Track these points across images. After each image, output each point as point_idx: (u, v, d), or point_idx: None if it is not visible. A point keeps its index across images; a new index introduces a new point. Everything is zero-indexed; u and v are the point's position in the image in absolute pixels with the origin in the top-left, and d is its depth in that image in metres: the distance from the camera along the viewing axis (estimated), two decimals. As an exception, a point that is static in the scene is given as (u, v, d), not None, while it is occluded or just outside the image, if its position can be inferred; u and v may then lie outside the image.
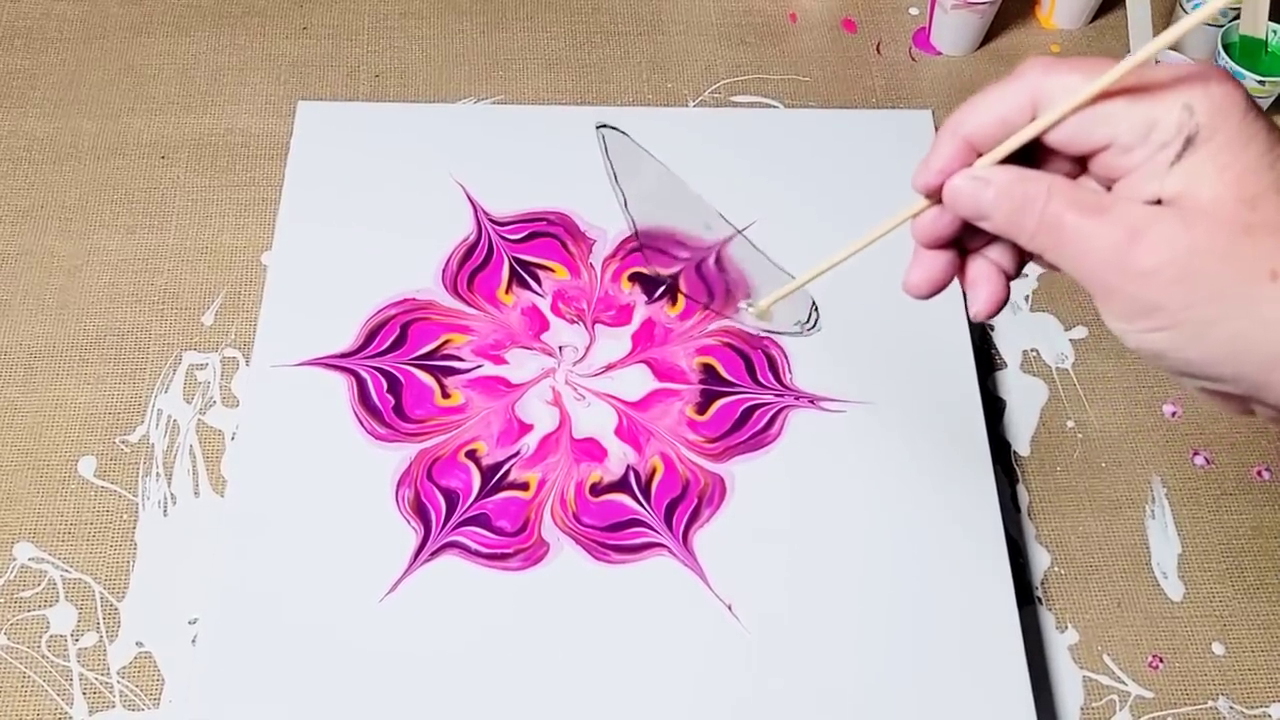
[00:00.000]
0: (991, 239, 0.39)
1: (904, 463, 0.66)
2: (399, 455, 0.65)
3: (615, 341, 0.70)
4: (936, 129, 0.79)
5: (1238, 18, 0.82)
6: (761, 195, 0.76)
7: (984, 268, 0.39)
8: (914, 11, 0.91)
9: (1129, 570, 0.66)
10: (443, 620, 0.60)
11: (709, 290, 0.67)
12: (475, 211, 0.75)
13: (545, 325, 0.70)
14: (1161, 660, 0.63)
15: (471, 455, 0.65)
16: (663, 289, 0.72)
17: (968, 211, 0.37)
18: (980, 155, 0.37)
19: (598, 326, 0.71)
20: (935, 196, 0.38)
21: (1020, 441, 0.70)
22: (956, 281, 0.41)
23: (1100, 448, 0.70)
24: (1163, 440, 0.70)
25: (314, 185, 0.75)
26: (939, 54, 0.89)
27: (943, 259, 0.39)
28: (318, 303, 0.70)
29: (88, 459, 0.67)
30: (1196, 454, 0.70)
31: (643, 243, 0.60)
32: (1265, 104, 0.83)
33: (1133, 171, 0.34)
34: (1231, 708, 0.62)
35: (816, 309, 0.54)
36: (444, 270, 0.72)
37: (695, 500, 0.64)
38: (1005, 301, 0.39)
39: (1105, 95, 0.34)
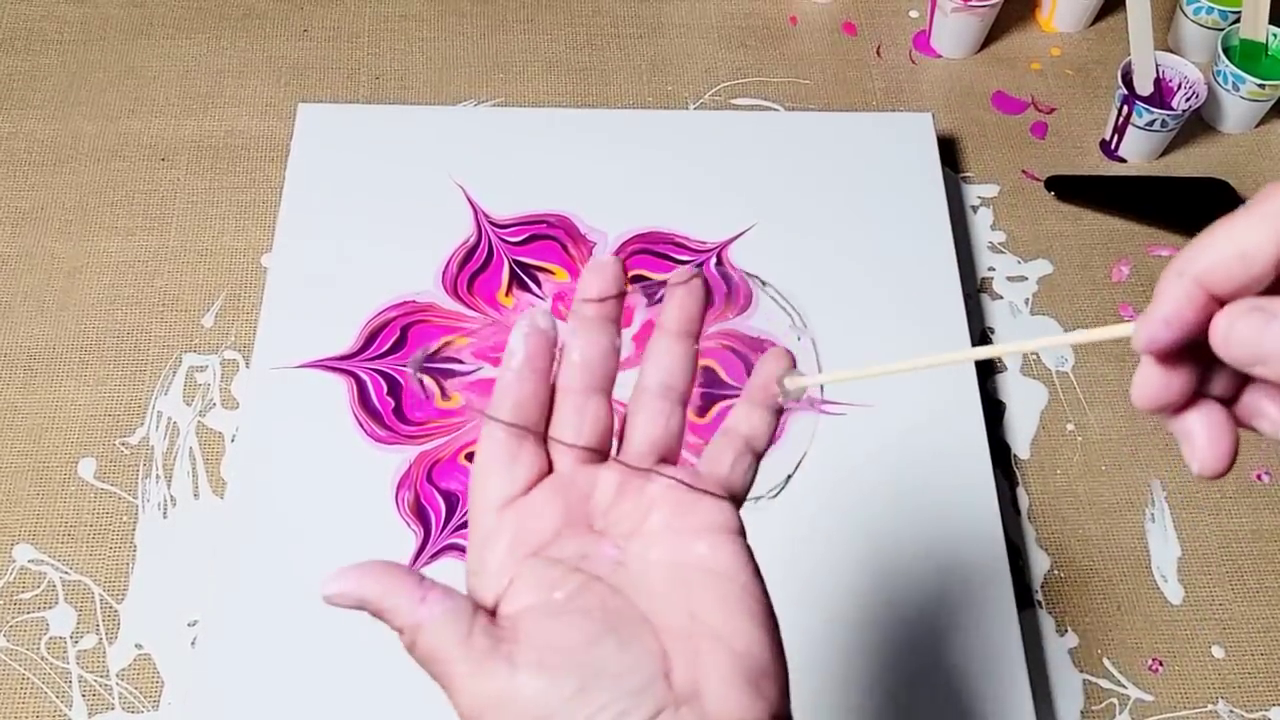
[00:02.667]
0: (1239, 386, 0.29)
1: (904, 466, 0.66)
2: (399, 458, 0.65)
3: (615, 344, 0.70)
4: (936, 131, 0.80)
5: (1238, 21, 0.82)
6: (762, 198, 0.76)
7: (1217, 418, 0.30)
8: (914, 14, 0.91)
9: (1129, 573, 0.66)
10: (442, 623, 0.60)
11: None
12: (475, 214, 0.75)
13: (545, 328, 0.70)
14: (1161, 663, 0.63)
15: (471, 458, 0.65)
16: (662, 291, 0.72)
17: (1245, 356, 0.26)
18: (1221, 303, 0.27)
19: (598, 329, 0.71)
20: (1161, 355, 0.28)
21: (1020, 445, 0.70)
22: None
23: (1100, 451, 0.70)
24: (1163, 443, 0.70)
25: (314, 187, 0.75)
26: (939, 57, 0.89)
27: (1181, 379, 0.29)
28: (318, 305, 0.70)
29: (87, 461, 0.67)
30: (1196, 457, 0.70)
31: None
32: (1265, 108, 0.83)
33: None
34: (1231, 711, 0.62)
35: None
36: (444, 273, 0.72)
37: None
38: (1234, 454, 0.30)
39: None
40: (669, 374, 0.34)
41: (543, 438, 0.33)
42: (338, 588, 0.31)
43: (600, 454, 0.34)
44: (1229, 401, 0.30)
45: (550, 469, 0.33)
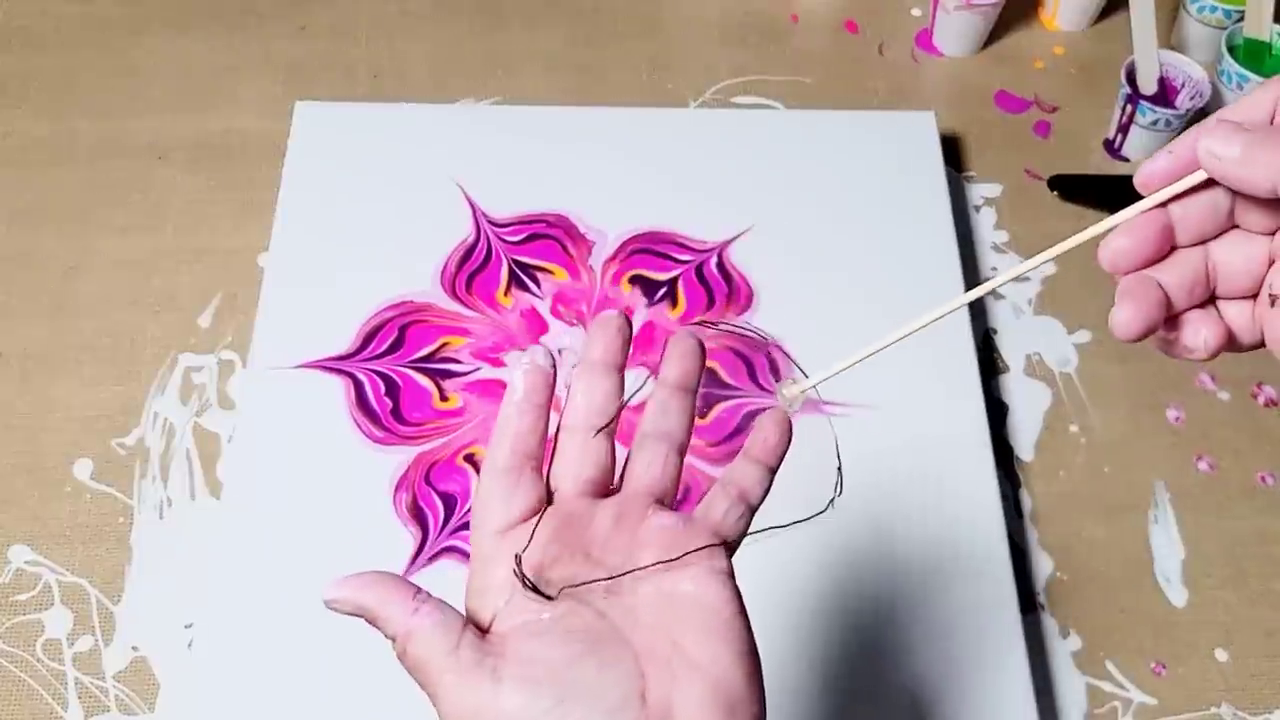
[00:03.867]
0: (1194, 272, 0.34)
1: (906, 468, 0.65)
2: (397, 459, 0.65)
3: (615, 344, 0.69)
4: (938, 130, 0.79)
5: (1242, 19, 0.82)
6: (762, 197, 0.76)
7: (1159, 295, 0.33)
8: (916, 13, 0.91)
9: (1132, 576, 0.65)
10: (440, 625, 0.60)
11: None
12: (474, 213, 0.74)
13: (544, 328, 0.70)
14: (1164, 666, 0.63)
15: (470, 459, 0.65)
16: (663, 291, 0.72)
17: (1231, 168, 0.31)
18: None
19: (597, 329, 0.70)
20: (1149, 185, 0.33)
21: (1023, 446, 0.69)
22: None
23: (1103, 452, 0.69)
24: (1166, 445, 0.70)
25: (311, 186, 0.74)
26: (941, 55, 0.89)
27: (1152, 288, 0.33)
28: (315, 305, 0.70)
29: (84, 461, 0.66)
30: (1200, 459, 0.69)
31: None
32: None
33: None
34: (1235, 714, 0.61)
35: (841, 481, 0.51)
36: (442, 272, 0.72)
37: (696, 504, 0.64)
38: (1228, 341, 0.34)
39: None
40: (668, 424, 0.37)
41: (539, 469, 0.35)
42: (337, 594, 0.33)
43: (600, 488, 0.36)
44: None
45: (550, 500, 0.35)
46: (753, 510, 0.37)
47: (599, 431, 0.36)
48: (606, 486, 0.36)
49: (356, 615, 0.33)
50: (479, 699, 0.30)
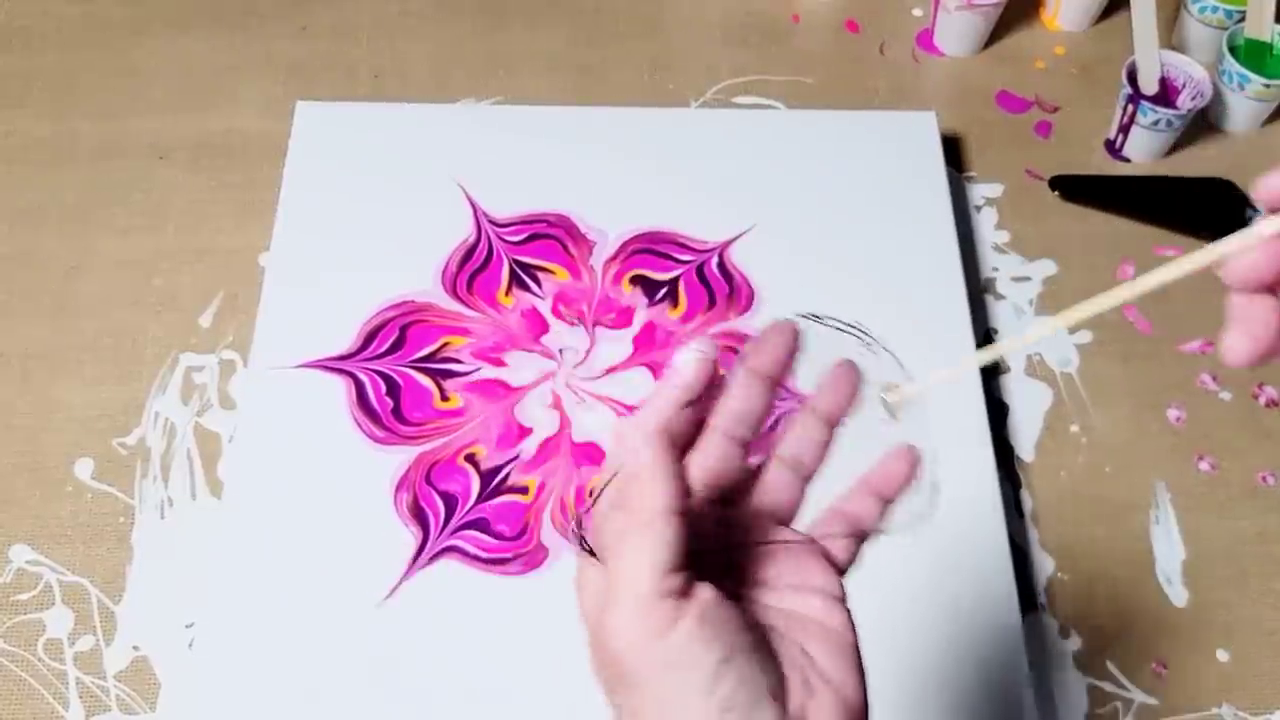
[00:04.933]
0: None
1: (906, 467, 0.65)
2: (397, 459, 0.65)
3: (616, 344, 0.70)
4: (940, 130, 0.79)
5: (1243, 19, 0.82)
6: (764, 196, 0.76)
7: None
8: (917, 12, 0.91)
9: (1133, 576, 0.65)
10: (441, 625, 0.60)
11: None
12: (475, 213, 0.74)
13: (545, 328, 0.70)
14: (1165, 667, 0.63)
15: (470, 459, 0.65)
16: (664, 291, 0.72)
17: None
18: None
19: (598, 329, 0.70)
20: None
21: (1024, 446, 0.69)
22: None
23: (1104, 453, 0.69)
24: (1167, 445, 0.70)
25: (312, 186, 0.74)
26: (942, 55, 0.89)
27: (1269, 312, 0.30)
28: (316, 305, 0.70)
29: (85, 461, 0.66)
30: (1201, 459, 0.69)
31: None
32: (1270, 107, 0.83)
33: None
34: (1236, 714, 0.61)
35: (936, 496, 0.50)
36: (443, 272, 0.72)
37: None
38: None
39: None
40: (804, 452, 0.37)
41: (681, 459, 0.34)
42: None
43: (723, 494, 0.36)
44: None
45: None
46: (862, 542, 0.37)
47: (737, 442, 0.35)
48: (728, 494, 0.36)
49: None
50: (651, 626, 0.30)
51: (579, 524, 0.33)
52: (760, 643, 0.32)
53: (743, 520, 0.35)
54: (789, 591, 0.34)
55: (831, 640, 0.33)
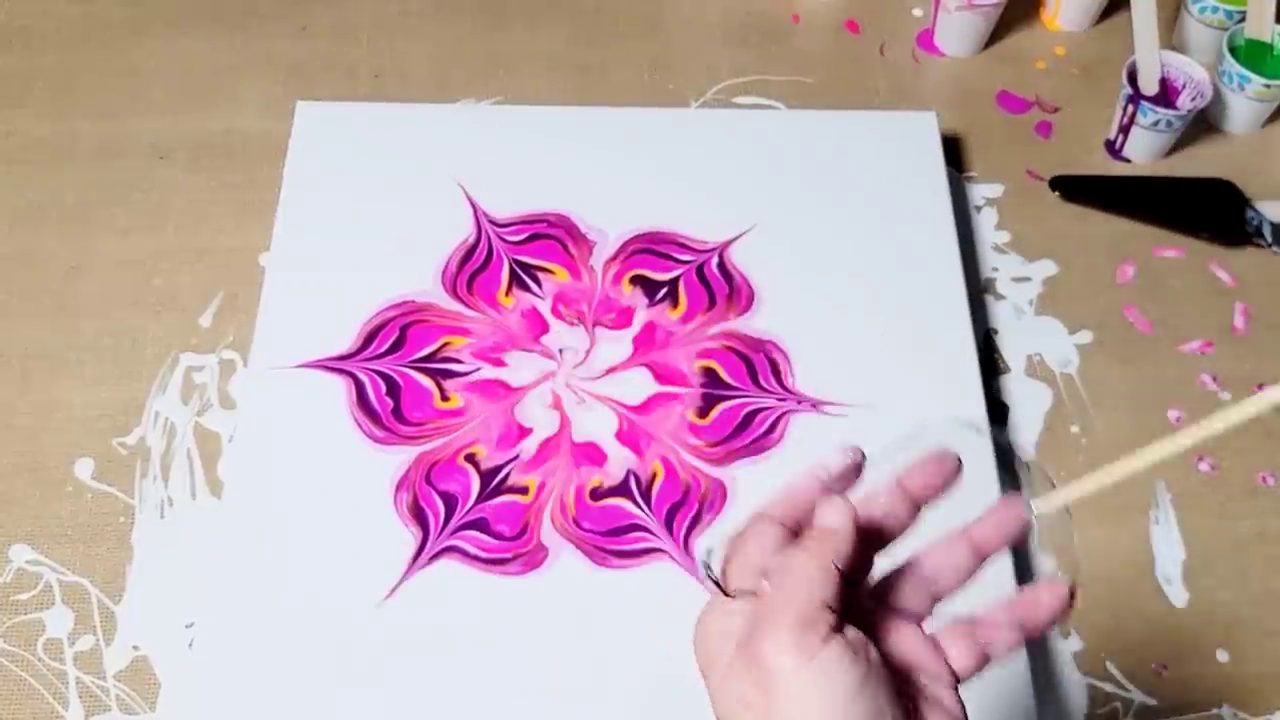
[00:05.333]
0: None
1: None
2: (397, 459, 0.65)
3: (616, 345, 0.70)
4: (940, 130, 0.79)
5: (1244, 20, 0.82)
6: (763, 197, 0.76)
7: None
8: (918, 13, 0.91)
9: (1133, 576, 0.65)
10: (441, 625, 0.60)
11: None
12: (475, 213, 0.74)
13: (545, 328, 0.70)
14: (1165, 667, 0.63)
15: (470, 459, 0.65)
16: (664, 291, 0.72)
17: None
18: None
19: (598, 329, 0.70)
20: None
21: (1024, 447, 0.69)
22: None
23: (1105, 453, 0.69)
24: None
25: (312, 186, 0.74)
26: (943, 55, 0.89)
27: None
28: (316, 305, 0.70)
29: (85, 461, 0.66)
30: (1201, 460, 0.69)
31: None
32: (1271, 108, 0.83)
33: None
34: (1236, 715, 0.61)
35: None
36: (443, 272, 0.72)
37: (696, 505, 0.64)
38: None
39: None
40: (942, 574, 0.39)
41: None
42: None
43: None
44: None
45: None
46: (987, 667, 0.38)
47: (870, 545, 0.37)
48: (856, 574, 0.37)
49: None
50: (805, 646, 0.31)
51: (708, 563, 0.34)
52: (892, 678, 0.34)
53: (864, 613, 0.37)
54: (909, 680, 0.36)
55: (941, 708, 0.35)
